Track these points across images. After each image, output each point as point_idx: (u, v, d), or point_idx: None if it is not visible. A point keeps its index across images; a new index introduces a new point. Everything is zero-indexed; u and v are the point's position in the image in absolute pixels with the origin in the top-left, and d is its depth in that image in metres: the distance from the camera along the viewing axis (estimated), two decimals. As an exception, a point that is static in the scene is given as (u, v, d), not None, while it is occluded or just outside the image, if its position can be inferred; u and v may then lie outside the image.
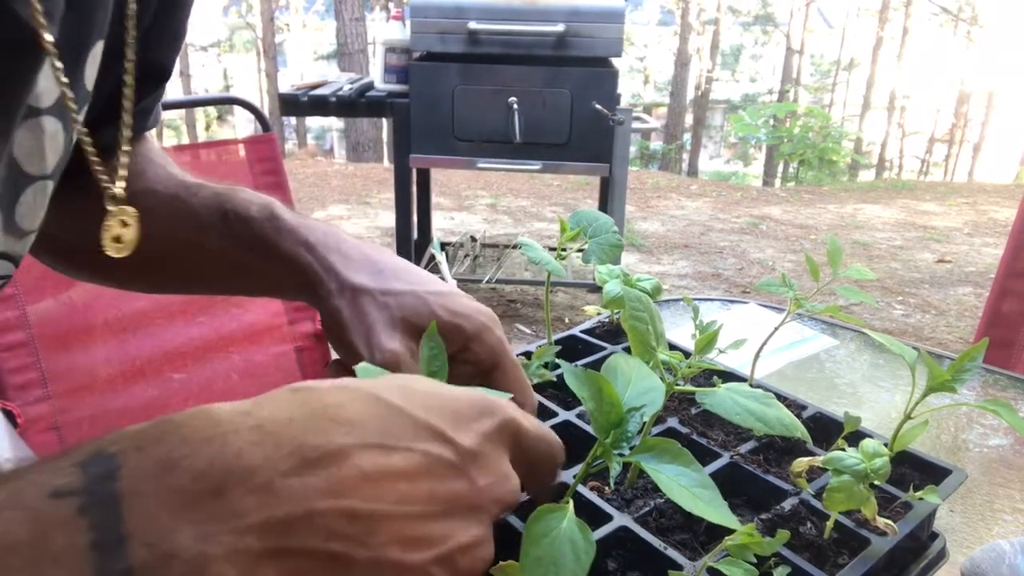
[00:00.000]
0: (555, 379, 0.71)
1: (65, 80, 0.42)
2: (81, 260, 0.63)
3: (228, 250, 0.57)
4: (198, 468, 0.29)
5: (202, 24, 16.27)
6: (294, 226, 0.55)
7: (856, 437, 0.59)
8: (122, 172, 0.51)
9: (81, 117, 0.46)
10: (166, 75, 0.57)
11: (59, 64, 0.41)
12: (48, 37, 0.39)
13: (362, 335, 0.51)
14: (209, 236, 0.57)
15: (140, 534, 0.28)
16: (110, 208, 0.51)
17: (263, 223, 0.55)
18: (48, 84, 0.42)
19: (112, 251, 0.52)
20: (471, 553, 0.34)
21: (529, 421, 0.40)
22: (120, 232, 0.51)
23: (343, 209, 5.36)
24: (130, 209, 0.52)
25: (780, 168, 13.70)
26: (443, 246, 3.48)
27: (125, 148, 0.52)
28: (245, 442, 0.31)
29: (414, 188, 3.19)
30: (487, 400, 0.38)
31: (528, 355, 0.73)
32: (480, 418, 0.37)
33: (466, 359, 0.52)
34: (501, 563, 0.46)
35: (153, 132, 0.64)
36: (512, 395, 0.46)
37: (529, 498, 0.47)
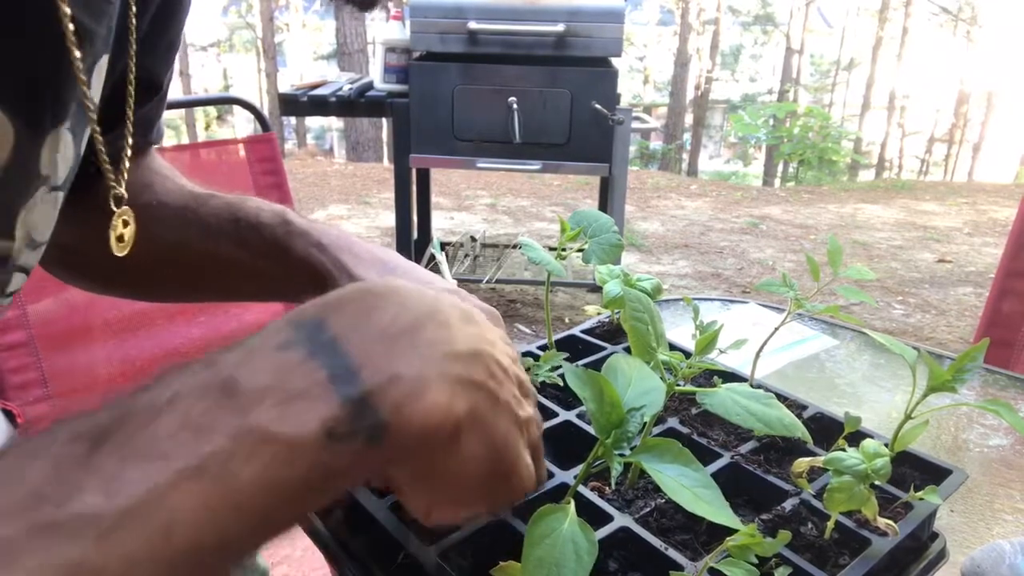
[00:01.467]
0: (557, 379, 0.71)
1: (88, 92, 0.44)
2: (94, 271, 0.65)
3: (241, 256, 0.59)
4: (392, 312, 0.35)
5: (202, 24, 16.27)
6: (306, 229, 0.58)
7: (857, 437, 0.59)
8: (125, 175, 0.53)
9: (88, 129, 0.47)
10: (158, 85, 0.58)
11: (83, 77, 0.43)
12: (76, 52, 0.41)
13: None
14: (221, 243, 0.59)
15: (366, 364, 0.33)
16: (114, 209, 0.52)
17: (275, 228, 0.58)
18: (67, 96, 0.43)
19: (116, 250, 0.53)
20: (534, 428, 0.42)
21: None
22: (122, 231, 0.53)
23: (343, 209, 5.35)
24: (129, 209, 0.53)
25: (780, 168, 13.70)
26: (443, 246, 3.48)
27: (128, 153, 0.53)
28: (418, 295, 0.37)
29: (414, 188, 3.19)
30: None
31: (529, 356, 0.73)
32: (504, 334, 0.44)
33: None
34: (502, 564, 0.46)
35: (155, 147, 0.65)
36: None
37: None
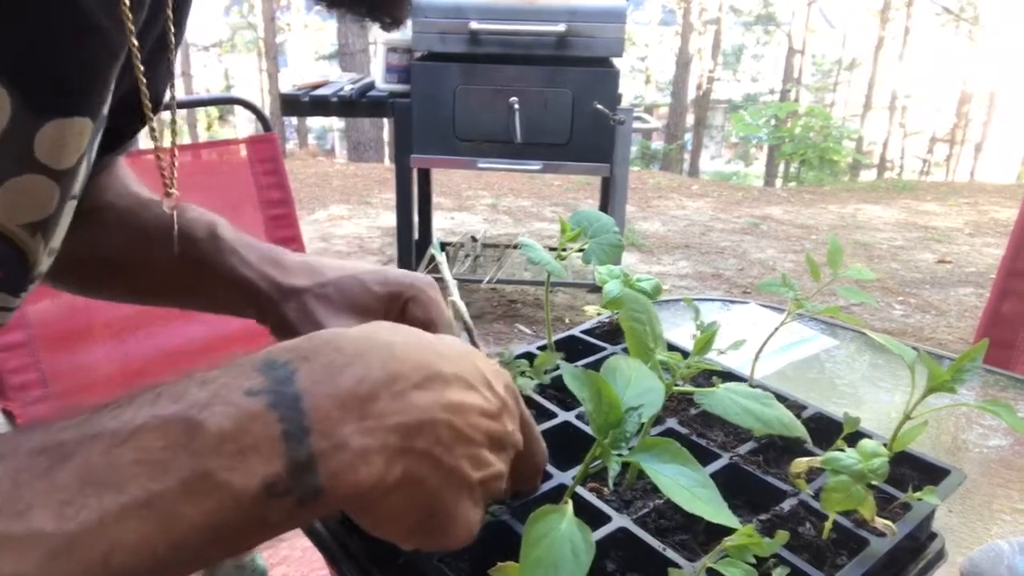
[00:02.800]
0: (546, 380, 0.71)
1: (144, 91, 0.47)
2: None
3: (175, 267, 0.60)
4: (358, 375, 0.36)
5: (203, 24, 16.27)
6: (234, 245, 0.59)
7: (856, 437, 0.59)
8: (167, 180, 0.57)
9: (98, 140, 0.48)
10: (159, 102, 0.60)
11: (145, 90, 0.47)
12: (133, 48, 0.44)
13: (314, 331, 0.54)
14: (157, 252, 0.60)
15: (318, 427, 0.34)
16: (167, 211, 0.56)
17: (205, 243, 0.59)
18: (79, 88, 0.43)
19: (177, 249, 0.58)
20: (498, 482, 0.42)
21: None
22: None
23: (344, 209, 5.35)
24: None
25: (781, 168, 13.69)
26: (443, 246, 3.48)
27: (176, 164, 0.57)
28: (384, 356, 0.37)
29: (415, 188, 3.19)
30: (500, 368, 0.45)
31: (528, 356, 0.73)
32: (502, 377, 0.44)
33: (407, 319, 0.58)
34: (500, 564, 0.46)
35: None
36: None
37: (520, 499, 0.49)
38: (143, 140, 0.72)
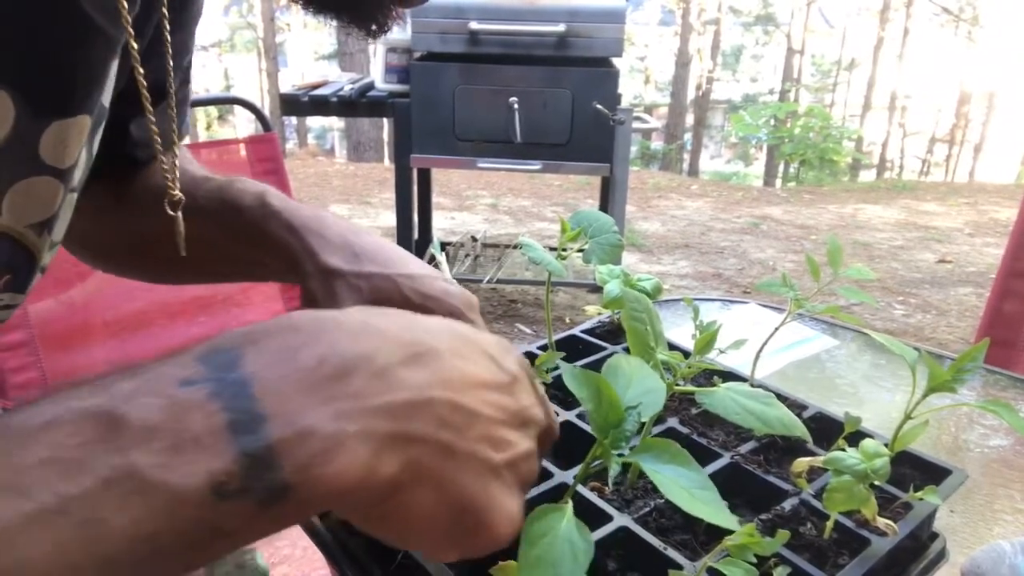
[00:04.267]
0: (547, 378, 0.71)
1: (143, 89, 0.47)
2: (95, 245, 0.66)
3: (228, 241, 0.59)
4: (319, 353, 0.31)
5: (203, 24, 16.23)
6: (280, 210, 0.57)
7: (857, 437, 0.59)
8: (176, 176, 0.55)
9: (99, 133, 0.48)
10: (163, 91, 0.59)
11: (143, 82, 0.46)
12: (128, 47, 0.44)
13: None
14: (211, 229, 0.59)
15: (276, 413, 0.28)
16: (171, 213, 0.54)
17: (254, 210, 0.57)
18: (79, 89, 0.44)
19: (183, 251, 0.55)
20: (528, 463, 0.38)
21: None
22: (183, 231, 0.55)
23: (344, 209, 5.35)
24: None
25: (781, 168, 13.69)
26: (443, 246, 3.47)
27: (177, 162, 0.55)
28: (357, 332, 0.33)
29: (415, 188, 3.19)
30: (505, 340, 0.41)
31: (529, 356, 0.73)
32: (511, 350, 0.40)
33: None
34: (500, 563, 0.46)
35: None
36: None
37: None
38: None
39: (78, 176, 0.48)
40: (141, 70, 0.50)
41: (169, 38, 0.51)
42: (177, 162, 0.62)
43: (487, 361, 0.37)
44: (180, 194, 0.54)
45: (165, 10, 0.50)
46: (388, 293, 0.53)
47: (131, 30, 0.42)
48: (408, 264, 0.56)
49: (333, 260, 0.54)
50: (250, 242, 0.58)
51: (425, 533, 0.34)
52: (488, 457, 0.34)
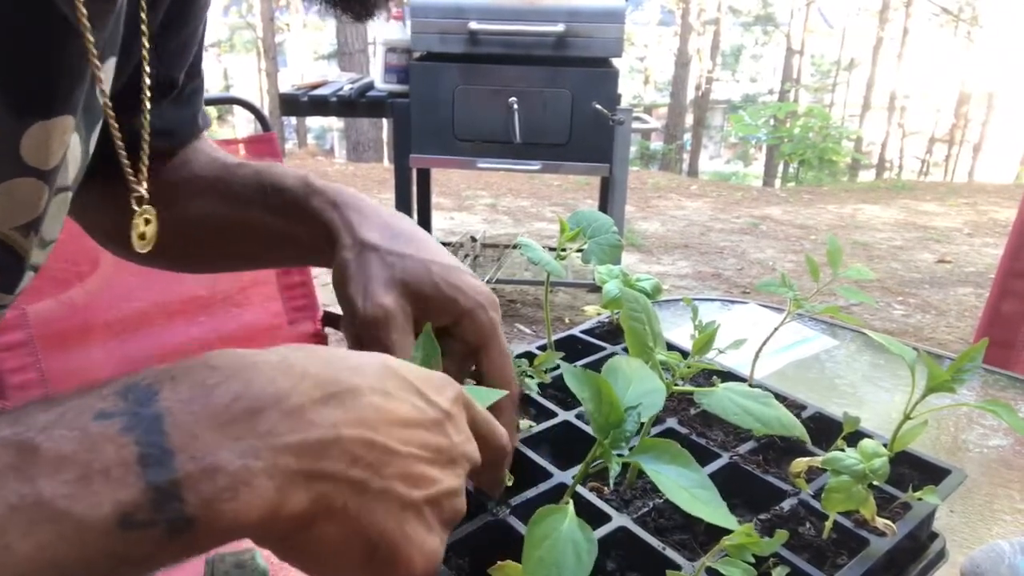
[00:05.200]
0: (547, 378, 0.71)
1: (104, 89, 0.45)
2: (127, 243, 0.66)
3: (268, 221, 0.60)
4: (234, 391, 0.32)
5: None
6: (324, 188, 0.58)
7: (856, 437, 0.59)
8: (144, 174, 0.54)
9: (96, 132, 0.47)
10: (173, 83, 0.60)
11: (102, 76, 0.44)
12: (93, 51, 0.42)
13: (361, 288, 0.52)
14: (250, 211, 0.60)
15: (184, 449, 0.29)
16: (135, 208, 0.54)
17: (297, 190, 0.58)
18: (61, 90, 0.43)
19: (138, 247, 0.55)
20: (452, 501, 0.38)
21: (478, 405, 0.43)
22: (144, 230, 0.54)
23: (343, 209, 5.35)
24: (151, 208, 0.55)
25: (780, 168, 13.69)
26: (443, 246, 3.46)
27: (146, 151, 0.54)
28: (274, 371, 0.33)
29: (414, 188, 3.19)
30: (444, 375, 0.41)
31: (528, 356, 0.73)
32: (445, 387, 0.40)
33: (456, 334, 0.54)
34: (500, 563, 0.46)
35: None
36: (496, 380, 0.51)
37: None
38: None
39: (71, 176, 0.47)
40: (148, 68, 0.50)
41: (146, 30, 0.51)
42: (202, 148, 0.63)
43: (415, 398, 0.37)
44: (143, 191, 0.54)
45: (143, 13, 0.50)
46: (418, 276, 0.53)
47: (87, 23, 0.41)
48: (441, 253, 0.56)
49: (371, 236, 0.54)
50: (289, 218, 0.58)
51: (337, 567, 0.35)
52: (404, 494, 0.35)
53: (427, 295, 0.53)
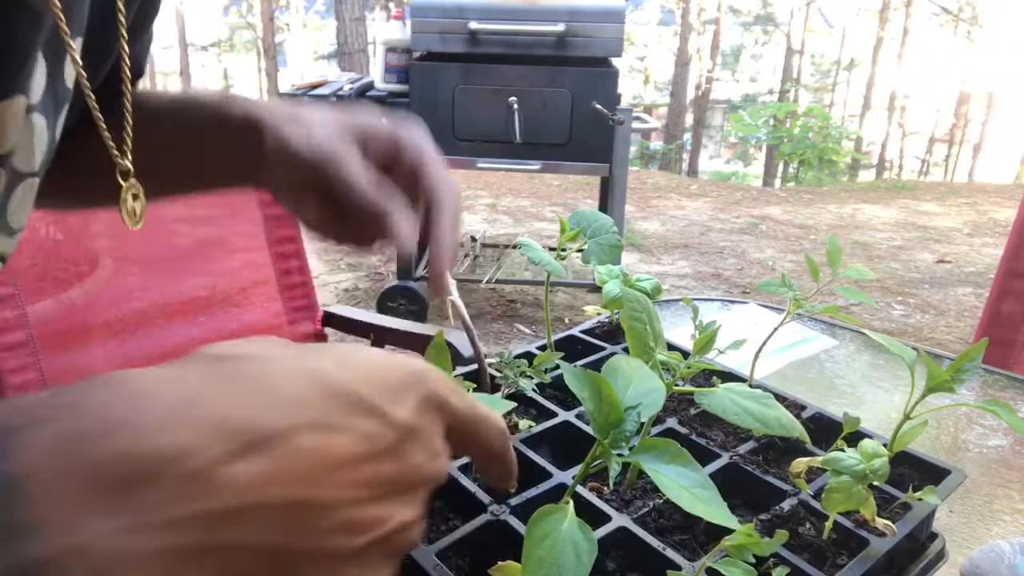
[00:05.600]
0: (546, 378, 0.71)
1: (76, 58, 0.44)
2: (67, 189, 0.64)
3: (186, 138, 0.59)
4: (117, 449, 0.25)
5: (202, 24, 16.27)
6: (241, 97, 0.57)
7: (856, 437, 0.59)
8: (129, 147, 0.53)
9: (63, 115, 0.47)
10: (140, 72, 0.60)
11: (78, 58, 0.43)
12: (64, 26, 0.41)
13: (303, 136, 0.52)
14: (168, 132, 0.59)
15: (48, 523, 0.24)
16: (121, 183, 0.53)
17: (215, 100, 0.58)
18: (39, 79, 0.43)
19: (129, 224, 0.54)
20: (406, 533, 0.33)
21: (457, 396, 0.36)
22: (133, 205, 0.54)
23: (343, 209, 5.35)
24: (136, 182, 0.54)
25: (780, 168, 13.69)
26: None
27: (129, 132, 0.54)
28: (175, 416, 0.26)
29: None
30: (414, 368, 0.35)
31: (528, 356, 0.73)
32: (407, 391, 0.34)
33: (397, 168, 0.54)
34: (500, 563, 0.46)
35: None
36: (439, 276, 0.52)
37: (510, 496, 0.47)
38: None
39: (38, 161, 0.46)
40: (127, 61, 0.50)
41: (124, 21, 0.51)
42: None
43: (366, 421, 0.31)
44: (128, 164, 0.53)
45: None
46: (347, 120, 0.54)
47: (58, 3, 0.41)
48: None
49: (288, 125, 0.54)
50: (211, 131, 0.57)
51: None
52: (342, 545, 0.30)
53: (362, 127, 0.54)
